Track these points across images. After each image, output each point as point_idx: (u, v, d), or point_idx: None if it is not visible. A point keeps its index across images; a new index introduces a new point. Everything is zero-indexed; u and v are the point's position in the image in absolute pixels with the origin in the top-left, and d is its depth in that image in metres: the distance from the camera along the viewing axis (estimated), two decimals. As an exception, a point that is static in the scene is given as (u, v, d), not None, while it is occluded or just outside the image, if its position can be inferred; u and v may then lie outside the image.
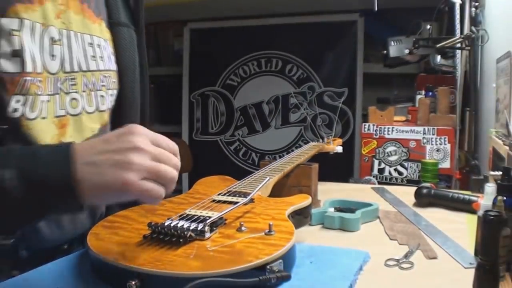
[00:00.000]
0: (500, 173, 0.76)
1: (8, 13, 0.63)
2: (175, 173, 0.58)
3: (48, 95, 0.70)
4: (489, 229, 0.62)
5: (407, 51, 2.25)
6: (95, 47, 0.78)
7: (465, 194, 1.09)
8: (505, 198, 0.69)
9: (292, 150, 1.29)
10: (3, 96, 0.63)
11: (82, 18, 0.76)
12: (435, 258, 0.77)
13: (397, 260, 0.75)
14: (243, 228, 0.68)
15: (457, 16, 2.13)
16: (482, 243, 0.64)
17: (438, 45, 2.09)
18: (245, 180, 0.93)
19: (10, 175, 0.53)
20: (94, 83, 0.77)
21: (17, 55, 0.64)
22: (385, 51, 2.33)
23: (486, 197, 0.74)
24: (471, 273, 0.64)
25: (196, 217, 0.70)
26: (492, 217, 0.62)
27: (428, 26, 2.22)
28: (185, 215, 0.72)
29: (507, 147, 1.19)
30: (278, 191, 0.97)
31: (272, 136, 3.31)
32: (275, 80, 3.29)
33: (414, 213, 1.04)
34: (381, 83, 2.99)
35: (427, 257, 0.78)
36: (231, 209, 0.73)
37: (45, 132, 0.69)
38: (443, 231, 0.91)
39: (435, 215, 1.02)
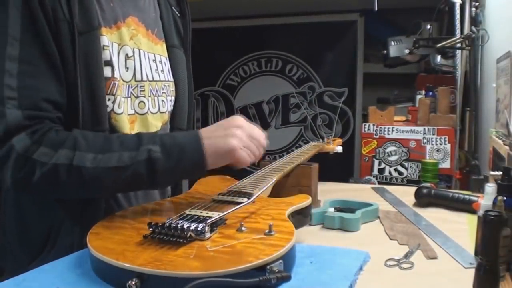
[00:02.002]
0: (500, 173, 0.76)
1: (100, 32, 0.83)
2: (260, 150, 0.84)
3: (123, 97, 0.88)
4: (489, 229, 0.62)
5: (407, 51, 2.25)
6: (157, 63, 0.98)
7: (465, 194, 1.09)
8: (505, 198, 0.69)
9: (292, 150, 1.29)
10: (103, 94, 0.82)
11: (147, 41, 0.96)
12: (435, 258, 0.77)
13: (397, 260, 0.75)
14: (243, 228, 0.68)
15: (457, 16, 2.13)
16: (482, 243, 0.64)
17: (438, 45, 2.09)
18: (245, 180, 0.93)
19: (156, 149, 0.75)
20: (157, 90, 0.97)
21: (108, 64, 0.84)
22: (385, 51, 2.33)
23: (486, 197, 0.74)
24: (471, 273, 0.64)
25: (196, 217, 0.70)
26: (492, 217, 0.62)
27: (428, 26, 2.22)
28: (185, 215, 0.72)
29: (507, 147, 1.19)
30: (278, 191, 0.97)
31: (272, 136, 3.31)
32: (275, 80, 3.29)
33: (414, 213, 1.04)
34: (381, 83, 2.99)
35: (427, 257, 0.78)
36: (234, 210, 0.73)
37: (124, 126, 0.87)
38: (443, 231, 0.91)
39: (435, 215, 1.02)
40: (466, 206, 1.05)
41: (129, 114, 0.89)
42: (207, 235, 0.66)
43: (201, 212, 0.73)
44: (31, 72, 0.75)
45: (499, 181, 0.73)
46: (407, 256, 0.77)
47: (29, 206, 0.85)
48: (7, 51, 0.74)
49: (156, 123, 0.96)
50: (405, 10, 2.69)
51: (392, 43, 2.30)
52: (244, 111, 3.36)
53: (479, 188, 1.19)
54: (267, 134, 0.89)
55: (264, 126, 3.31)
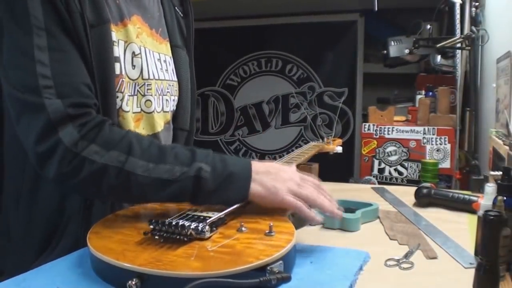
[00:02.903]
0: (500, 173, 0.76)
1: (111, 28, 0.81)
2: (318, 198, 0.76)
3: (129, 95, 0.87)
4: (489, 229, 0.62)
5: (407, 51, 2.25)
6: (162, 62, 0.97)
7: (465, 194, 1.09)
8: (505, 198, 0.69)
9: (292, 150, 1.29)
10: (114, 89, 0.81)
11: (152, 40, 0.95)
12: (435, 258, 0.77)
13: (397, 260, 0.75)
14: (243, 228, 0.68)
15: (457, 16, 2.13)
16: (482, 243, 0.64)
17: (438, 45, 2.09)
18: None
19: (207, 169, 0.73)
20: (162, 89, 0.96)
21: (117, 60, 0.83)
22: (385, 51, 2.33)
23: (486, 197, 0.74)
24: (471, 273, 0.64)
25: (196, 216, 0.70)
26: (492, 217, 0.62)
27: (428, 26, 2.22)
28: (185, 214, 0.72)
29: (507, 147, 1.19)
30: (278, 191, 0.97)
31: (272, 136, 3.31)
32: (275, 80, 3.29)
33: (414, 213, 1.04)
34: (381, 83, 2.99)
35: (427, 257, 0.78)
36: (230, 210, 0.73)
37: (129, 124, 0.86)
38: (443, 231, 0.91)
39: (435, 215, 1.02)
40: (466, 206, 1.05)
41: (134, 112, 0.88)
42: (207, 234, 0.66)
43: (201, 212, 0.73)
44: (63, 59, 0.74)
45: (499, 181, 0.73)
46: (407, 256, 0.77)
47: (34, 205, 0.84)
48: (34, 41, 0.72)
49: (160, 122, 0.96)
50: (405, 10, 2.69)
51: (392, 43, 2.30)
52: (244, 111, 3.36)
53: (479, 188, 1.19)
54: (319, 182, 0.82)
55: (264, 126, 3.32)
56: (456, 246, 0.82)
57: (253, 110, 3.34)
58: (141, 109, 0.90)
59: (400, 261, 0.74)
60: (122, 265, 0.59)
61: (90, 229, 0.71)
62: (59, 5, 0.74)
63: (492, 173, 1.17)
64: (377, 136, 2.23)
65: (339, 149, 1.33)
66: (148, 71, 0.91)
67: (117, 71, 0.82)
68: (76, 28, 0.76)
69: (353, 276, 0.66)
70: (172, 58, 1.02)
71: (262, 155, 3.29)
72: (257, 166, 0.77)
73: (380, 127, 2.22)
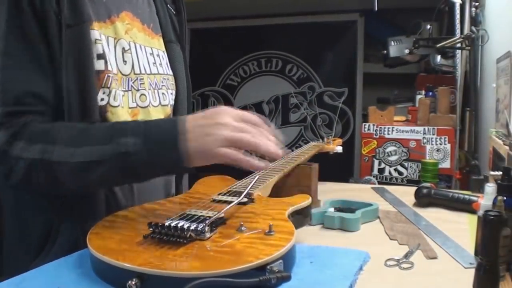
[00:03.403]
0: (500, 173, 0.76)
1: (92, 27, 0.81)
2: (251, 139, 0.72)
3: (123, 90, 0.87)
4: (489, 229, 0.62)
5: (407, 51, 2.25)
6: (155, 56, 0.97)
7: (465, 194, 1.09)
8: (505, 198, 0.69)
9: (292, 150, 1.29)
10: (93, 88, 0.80)
11: (143, 35, 0.95)
12: (435, 258, 0.77)
13: (397, 260, 0.74)
14: (243, 228, 0.68)
15: (457, 16, 2.13)
16: (482, 243, 0.64)
17: (438, 45, 2.09)
18: (245, 180, 0.93)
19: (134, 141, 0.70)
20: (156, 83, 0.96)
21: (101, 57, 0.82)
22: (385, 51, 2.33)
23: (486, 197, 0.74)
24: (471, 273, 0.64)
25: (196, 217, 0.70)
26: (492, 217, 0.62)
27: (428, 26, 2.22)
28: (185, 215, 0.72)
29: (507, 147, 1.19)
30: (278, 191, 0.97)
31: (272, 136, 3.31)
32: (275, 80, 3.29)
33: (414, 213, 1.04)
34: (381, 83, 2.99)
35: (427, 257, 0.78)
36: (227, 209, 0.74)
37: (122, 119, 0.85)
38: (443, 231, 0.91)
39: (435, 215, 1.02)
40: (466, 206, 1.05)
41: (130, 108, 0.89)
42: (207, 235, 0.66)
43: (201, 212, 0.73)
44: (14, 65, 0.75)
45: (499, 181, 0.73)
46: (407, 256, 0.77)
47: (28, 205, 0.84)
48: None
49: (159, 116, 0.96)
50: (405, 10, 2.69)
51: (392, 43, 2.30)
52: (244, 111, 3.36)
53: (479, 188, 1.19)
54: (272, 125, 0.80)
55: (264, 126, 3.32)
56: (456, 246, 0.82)
57: (253, 110, 3.34)
58: (137, 104, 0.91)
59: (400, 261, 0.74)
60: (122, 265, 0.59)
61: (90, 229, 0.71)
62: (26, 9, 0.75)
63: (492, 173, 1.17)
64: (377, 136, 2.23)
65: (339, 149, 1.33)
66: (139, 66, 0.92)
67: (101, 67, 0.82)
68: (48, 29, 0.76)
69: (353, 276, 0.66)
70: (165, 53, 1.02)
71: (262, 155, 3.29)
72: (189, 119, 0.73)
73: (380, 127, 2.22)
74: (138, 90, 0.91)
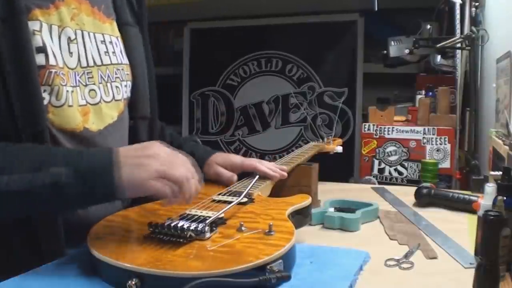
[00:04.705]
0: (500, 173, 0.76)
1: (30, 17, 0.73)
2: (181, 176, 0.69)
3: (71, 86, 0.79)
4: (489, 229, 0.62)
5: (407, 51, 2.25)
6: (107, 44, 0.88)
7: (465, 194, 1.09)
8: (505, 198, 0.69)
9: (292, 150, 1.29)
10: (38, 86, 0.72)
11: (93, 19, 0.86)
12: (435, 258, 0.77)
13: (397, 260, 0.75)
14: (243, 228, 0.68)
15: (457, 16, 2.13)
16: (482, 243, 0.64)
17: (438, 45, 2.09)
18: (245, 180, 0.93)
19: (67, 172, 0.65)
20: (108, 75, 0.87)
21: (41, 51, 0.74)
22: (385, 51, 2.33)
23: (486, 197, 0.74)
24: (471, 273, 0.64)
25: (196, 217, 0.70)
26: (492, 217, 0.62)
27: (428, 26, 2.22)
28: (185, 215, 0.72)
29: (507, 147, 1.19)
30: (278, 191, 0.97)
31: (272, 136, 3.31)
32: (275, 80, 3.29)
33: (414, 213, 1.04)
34: (381, 83, 2.98)
35: (427, 257, 0.78)
36: (227, 209, 0.74)
37: (72, 118, 0.79)
38: (443, 231, 0.91)
39: (435, 215, 1.02)
40: (466, 206, 1.05)
41: (80, 105, 0.80)
42: (207, 235, 0.66)
43: (201, 212, 0.73)
44: None
45: (499, 181, 0.73)
46: (407, 256, 0.77)
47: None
48: None
49: (112, 113, 0.88)
50: (405, 10, 2.69)
51: (392, 43, 2.30)
52: (244, 111, 3.36)
53: (479, 188, 1.19)
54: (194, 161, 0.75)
55: (264, 126, 3.31)
56: (456, 246, 0.82)
57: (253, 110, 3.34)
58: (87, 101, 0.82)
59: (400, 261, 0.74)
60: (122, 265, 0.59)
61: (90, 229, 0.71)
62: None
63: (492, 173, 1.17)
64: (377, 136, 2.22)
65: (339, 149, 1.34)
66: (86, 58, 0.83)
67: (42, 62, 0.74)
68: None
69: (353, 276, 0.66)
70: (119, 39, 0.92)
71: (262, 155, 3.29)
72: (123, 154, 0.69)
73: (380, 127, 2.22)
74: (86, 85, 0.82)
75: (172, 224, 0.65)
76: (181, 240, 0.64)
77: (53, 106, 0.76)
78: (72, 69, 0.80)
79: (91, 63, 0.84)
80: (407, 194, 1.19)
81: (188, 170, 0.71)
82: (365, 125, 2.26)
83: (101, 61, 0.86)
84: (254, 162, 0.98)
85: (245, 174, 0.98)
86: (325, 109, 3.14)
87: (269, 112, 3.31)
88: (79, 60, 0.82)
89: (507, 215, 0.66)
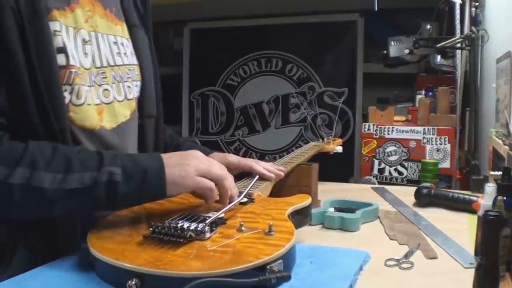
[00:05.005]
0: (500, 173, 0.76)
1: (50, 17, 0.76)
2: (222, 173, 0.77)
3: (88, 86, 0.82)
4: (489, 229, 0.63)
5: (407, 51, 2.25)
6: (119, 45, 0.91)
7: (465, 194, 1.09)
8: (505, 198, 0.69)
9: (292, 150, 1.29)
10: (60, 86, 0.75)
11: (106, 21, 0.89)
12: (435, 258, 0.77)
13: (397, 260, 0.75)
14: (243, 228, 0.68)
15: (457, 16, 2.13)
16: (482, 243, 0.64)
17: (438, 45, 2.09)
18: (245, 180, 0.93)
19: (117, 171, 0.70)
20: (120, 75, 0.90)
21: (62, 51, 0.76)
22: (385, 51, 2.33)
23: (486, 197, 0.74)
24: (471, 273, 0.64)
25: (196, 217, 0.70)
26: (492, 217, 0.62)
27: (428, 26, 2.22)
28: (185, 215, 0.72)
29: (507, 147, 1.19)
30: (278, 191, 0.97)
31: (272, 136, 3.31)
32: (275, 80, 3.29)
33: (414, 213, 1.04)
34: (381, 83, 2.98)
35: (427, 257, 0.78)
36: (227, 209, 0.74)
37: (89, 117, 0.82)
38: (443, 231, 0.91)
39: (435, 215, 1.02)
40: (466, 206, 1.05)
41: (96, 104, 0.83)
42: (207, 235, 0.66)
43: (201, 212, 0.73)
44: None
45: (499, 181, 0.73)
46: (407, 256, 0.77)
47: None
48: None
49: (124, 112, 0.90)
50: (405, 10, 2.69)
51: (392, 43, 2.30)
52: (244, 111, 3.36)
53: (479, 188, 1.19)
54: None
55: (264, 126, 3.32)
56: (456, 246, 0.82)
57: (253, 110, 3.34)
58: (101, 101, 0.85)
59: (400, 261, 0.74)
60: (122, 265, 0.59)
61: (90, 229, 0.71)
62: None
63: (492, 173, 1.17)
64: (377, 136, 2.23)
65: (339, 149, 1.33)
66: (100, 59, 0.86)
67: (63, 62, 0.76)
68: (4, 28, 0.70)
69: (353, 276, 0.66)
70: (129, 40, 0.95)
71: (262, 155, 3.29)
72: (168, 158, 0.76)
73: (380, 127, 2.22)
74: (100, 85, 0.85)
75: (172, 224, 0.65)
76: (181, 240, 0.64)
77: (73, 105, 0.79)
78: (87, 69, 0.82)
79: (104, 63, 0.87)
80: (407, 194, 1.19)
81: (225, 171, 0.79)
82: (365, 125, 2.26)
83: (114, 62, 0.89)
84: (251, 162, 0.99)
85: (244, 174, 0.98)
86: (325, 109, 3.14)
87: (269, 112, 3.31)
88: (93, 60, 0.84)
89: (507, 215, 0.66)
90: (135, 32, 0.97)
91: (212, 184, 0.75)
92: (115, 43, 0.90)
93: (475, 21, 2.07)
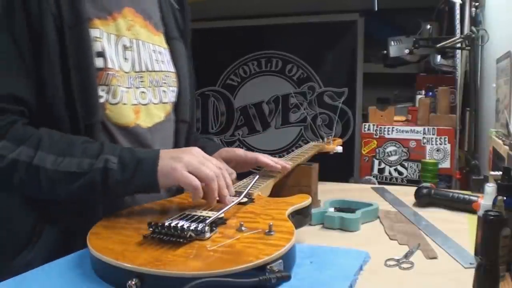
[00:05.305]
0: (500, 173, 0.76)
1: (91, 25, 0.84)
2: (211, 173, 0.76)
3: (126, 87, 0.89)
4: (489, 229, 0.62)
5: (407, 51, 2.25)
6: (157, 53, 0.98)
7: (465, 194, 1.09)
8: (505, 198, 0.69)
9: (292, 150, 1.29)
10: (95, 86, 0.83)
11: (146, 31, 0.97)
12: (435, 258, 0.77)
13: (397, 260, 0.75)
14: (243, 228, 0.68)
15: (457, 16, 2.13)
16: (482, 243, 0.64)
17: (438, 45, 2.09)
18: (245, 180, 0.93)
19: (113, 160, 0.75)
20: (157, 80, 0.97)
21: (101, 55, 0.84)
22: (385, 51, 2.33)
23: (486, 197, 0.74)
24: (471, 273, 0.64)
25: (196, 217, 0.70)
26: (492, 217, 0.62)
27: (428, 26, 2.22)
28: (185, 215, 0.72)
29: (507, 147, 1.19)
30: (278, 191, 0.97)
31: (272, 136, 3.31)
32: (275, 80, 3.29)
33: (414, 213, 1.04)
34: (381, 83, 2.99)
35: (427, 257, 0.78)
36: (227, 208, 0.74)
37: (125, 115, 0.88)
38: (443, 231, 0.91)
39: (435, 215, 1.02)
40: (466, 206, 1.05)
41: (133, 104, 0.91)
42: (207, 235, 0.66)
43: (201, 212, 0.73)
44: (0, 68, 0.78)
45: (499, 181, 0.73)
46: (407, 256, 0.77)
47: (14, 204, 0.85)
48: None
49: (159, 114, 0.97)
50: (405, 10, 2.69)
51: (392, 43, 2.30)
52: (244, 111, 3.36)
53: (479, 188, 1.19)
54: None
55: (264, 126, 3.32)
56: (456, 246, 0.82)
57: (253, 110, 3.34)
58: (139, 101, 0.92)
59: (400, 261, 0.74)
60: (122, 265, 0.59)
61: (90, 230, 0.71)
62: (17, 13, 0.77)
63: (492, 173, 1.17)
64: (377, 136, 2.23)
65: (339, 149, 1.33)
66: (140, 64, 0.93)
67: (101, 65, 0.84)
68: (44, 31, 0.78)
69: (353, 276, 0.66)
70: (167, 50, 1.02)
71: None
72: (165, 152, 0.79)
73: (380, 127, 2.22)
74: (138, 87, 0.92)
75: (172, 224, 0.65)
76: (181, 240, 0.64)
77: (109, 104, 0.86)
78: (126, 72, 0.90)
79: (143, 68, 0.94)
80: (407, 194, 1.19)
81: (218, 171, 0.78)
82: (365, 125, 2.26)
83: (152, 68, 0.96)
84: (257, 154, 1.02)
85: (249, 172, 0.98)
86: (325, 109, 3.14)
87: (269, 112, 3.31)
88: (133, 65, 0.92)
89: (507, 215, 0.66)
90: (174, 44, 1.04)
91: (197, 183, 0.74)
92: (154, 51, 0.97)
93: (475, 21, 2.07)
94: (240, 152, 1.03)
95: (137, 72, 0.92)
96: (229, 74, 3.38)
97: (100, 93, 0.84)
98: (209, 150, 1.04)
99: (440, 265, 0.75)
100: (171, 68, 1.02)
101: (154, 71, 0.96)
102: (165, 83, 0.99)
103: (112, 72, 0.86)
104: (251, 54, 3.33)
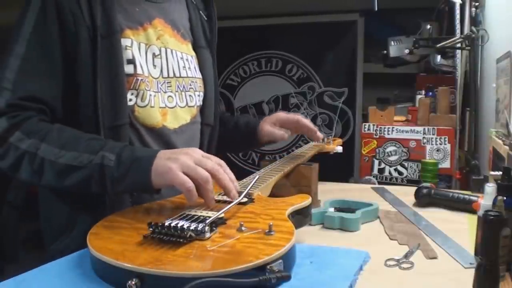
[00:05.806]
0: (500, 173, 0.76)
1: (123, 35, 0.92)
2: (205, 174, 0.75)
3: (154, 92, 0.97)
4: (489, 229, 0.63)
5: (407, 51, 2.25)
6: (184, 60, 1.06)
7: (465, 194, 1.09)
8: (505, 198, 0.69)
9: (292, 150, 1.28)
10: (124, 90, 0.90)
11: (174, 40, 1.04)
12: (435, 258, 0.77)
13: (397, 260, 0.75)
14: (243, 228, 0.68)
15: (457, 16, 2.13)
16: (482, 243, 0.64)
17: (438, 45, 2.09)
18: (245, 180, 0.93)
19: (111, 157, 0.78)
20: (184, 86, 1.04)
21: (131, 62, 0.92)
22: (385, 51, 2.33)
23: (486, 197, 0.74)
24: (471, 273, 0.64)
25: (196, 217, 0.70)
26: (492, 217, 0.62)
27: (428, 26, 2.22)
28: (185, 215, 0.72)
29: (507, 147, 1.19)
30: (278, 191, 0.97)
31: (272, 136, 3.31)
32: (275, 80, 3.29)
33: (414, 213, 1.04)
34: (381, 83, 2.99)
35: (427, 257, 0.78)
36: (227, 209, 0.74)
37: (152, 117, 0.96)
38: (443, 231, 0.91)
39: (435, 215, 1.02)
40: (466, 206, 1.05)
41: (160, 107, 0.98)
42: (207, 235, 0.66)
43: (201, 212, 0.73)
44: (30, 71, 0.85)
45: (499, 181, 0.73)
46: (407, 256, 0.77)
47: (51, 196, 0.93)
48: (15, 49, 0.85)
49: (185, 116, 1.04)
50: (405, 10, 2.69)
51: (392, 43, 2.30)
52: (244, 111, 3.36)
53: (479, 188, 1.19)
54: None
55: (264, 126, 3.32)
56: (456, 246, 0.82)
57: (253, 110, 3.34)
58: (166, 105, 0.99)
59: (400, 261, 0.74)
60: (122, 265, 0.59)
61: (90, 229, 0.71)
62: (52, 21, 0.85)
63: (492, 173, 1.17)
64: (377, 136, 2.23)
65: (339, 149, 1.33)
66: (168, 70, 1.01)
67: (131, 71, 0.92)
68: (78, 40, 0.86)
69: (353, 276, 0.66)
70: (194, 57, 1.09)
71: (262, 155, 3.29)
72: (164, 152, 0.80)
73: (380, 127, 2.22)
74: (165, 92, 1.00)
75: (172, 224, 0.65)
76: (181, 240, 0.64)
77: (138, 106, 0.93)
78: (155, 78, 0.98)
79: (171, 74, 1.01)
80: (407, 194, 1.19)
81: (218, 169, 0.78)
82: (365, 125, 2.26)
83: (180, 74, 1.03)
84: (298, 115, 1.15)
85: (249, 173, 0.98)
86: (325, 109, 3.14)
87: (269, 112, 3.31)
88: (161, 71, 0.99)
89: (507, 215, 0.66)
90: (201, 52, 1.12)
91: (190, 185, 0.73)
92: (182, 58, 1.05)
93: (475, 21, 2.07)
94: (282, 115, 1.18)
95: (165, 78, 1.00)
96: (229, 74, 3.38)
97: (130, 96, 0.91)
98: (253, 123, 1.20)
99: (440, 265, 0.75)
100: (198, 74, 1.09)
101: (181, 77, 1.03)
102: (191, 88, 1.06)
103: (141, 78, 0.93)
104: (251, 54, 3.33)
